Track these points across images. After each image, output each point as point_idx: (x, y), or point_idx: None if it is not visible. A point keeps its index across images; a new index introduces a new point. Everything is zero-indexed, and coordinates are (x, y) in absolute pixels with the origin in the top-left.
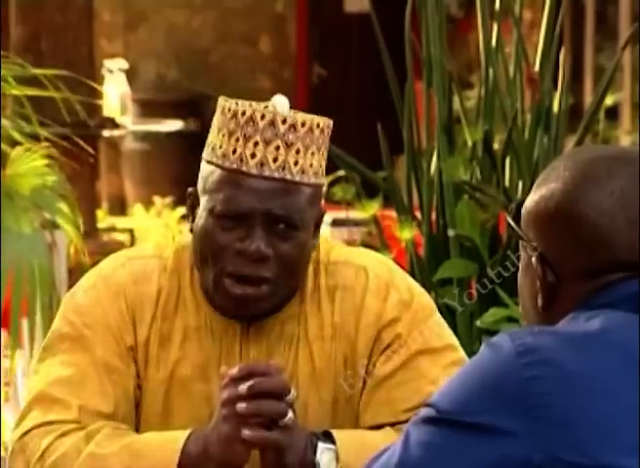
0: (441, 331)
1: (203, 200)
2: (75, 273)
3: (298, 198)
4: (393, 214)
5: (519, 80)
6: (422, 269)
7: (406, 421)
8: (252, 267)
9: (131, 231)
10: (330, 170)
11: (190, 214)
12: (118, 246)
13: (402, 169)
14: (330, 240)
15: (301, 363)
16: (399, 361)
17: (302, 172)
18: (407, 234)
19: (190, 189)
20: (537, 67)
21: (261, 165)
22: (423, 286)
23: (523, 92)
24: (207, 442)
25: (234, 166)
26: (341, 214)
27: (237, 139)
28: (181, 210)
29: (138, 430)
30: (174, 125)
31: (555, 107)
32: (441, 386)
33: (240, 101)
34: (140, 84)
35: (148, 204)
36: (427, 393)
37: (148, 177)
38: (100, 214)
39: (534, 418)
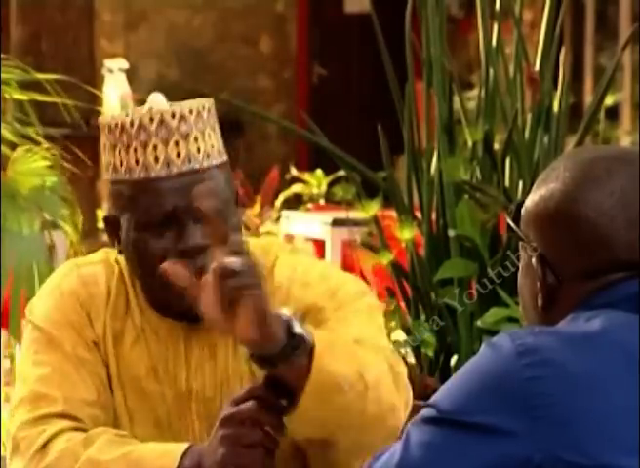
0: (366, 314)
1: (123, 219)
2: None
3: (212, 181)
4: (393, 214)
5: (519, 80)
6: (423, 269)
7: None
8: (195, 263)
9: None
10: (330, 170)
11: (115, 238)
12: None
13: (402, 169)
14: (273, 242)
15: (242, 360)
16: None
17: (208, 156)
18: (407, 234)
19: (105, 215)
20: (537, 67)
21: (167, 165)
22: (424, 286)
23: (523, 92)
24: (202, 459)
25: (142, 175)
26: (341, 214)
27: (135, 150)
28: None
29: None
30: None
31: (555, 107)
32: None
33: (119, 115)
34: (141, 84)
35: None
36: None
37: None
38: (101, 214)
39: (534, 418)
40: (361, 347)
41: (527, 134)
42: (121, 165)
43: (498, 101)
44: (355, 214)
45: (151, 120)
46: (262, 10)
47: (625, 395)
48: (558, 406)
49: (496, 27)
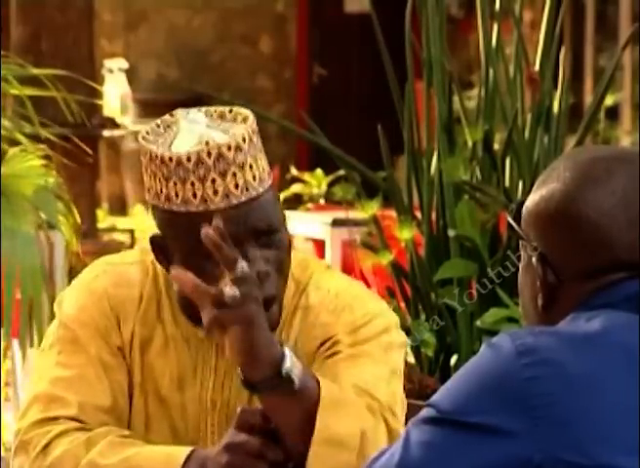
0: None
1: (177, 246)
2: (75, 273)
3: (267, 205)
4: (393, 213)
5: (519, 80)
6: (423, 269)
7: None
8: (262, 291)
9: (131, 231)
10: (330, 170)
11: (164, 259)
12: (118, 246)
13: (402, 169)
14: (309, 259)
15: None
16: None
17: (261, 180)
18: (406, 234)
19: (153, 236)
20: (537, 67)
21: (227, 196)
22: (424, 286)
23: (523, 92)
24: (205, 467)
25: (200, 208)
26: (341, 214)
27: (193, 184)
28: None
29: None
30: None
31: (555, 107)
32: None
33: (171, 148)
34: (141, 84)
35: (148, 204)
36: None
37: None
38: (101, 214)
39: (534, 418)
40: (360, 399)
41: (527, 134)
42: (176, 196)
43: (498, 101)
44: (355, 214)
45: (209, 155)
46: (262, 10)
47: (625, 395)
48: (558, 406)
49: (496, 27)
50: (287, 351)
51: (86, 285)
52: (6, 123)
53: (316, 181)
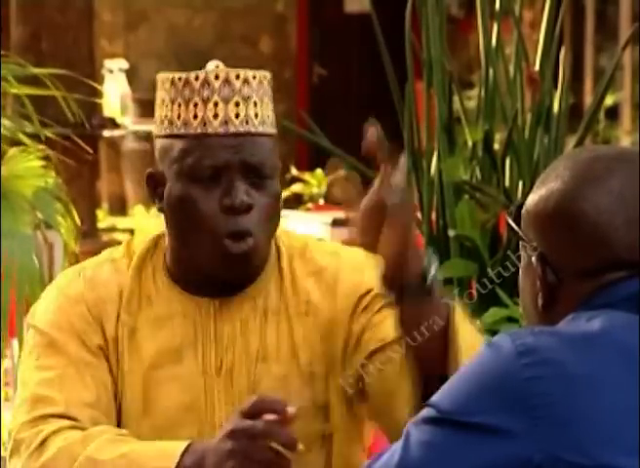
0: None
1: (172, 171)
2: None
3: (264, 148)
4: None
5: (519, 80)
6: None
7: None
8: (239, 222)
9: (131, 231)
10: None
11: (155, 195)
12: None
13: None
14: (311, 235)
15: (282, 336)
16: (373, 312)
17: (263, 123)
18: None
19: (149, 170)
20: (537, 67)
21: (226, 123)
22: None
23: (523, 92)
24: (205, 458)
25: (199, 130)
26: (341, 214)
27: (195, 105)
28: None
29: (119, 424)
30: None
31: (555, 107)
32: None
33: (196, 71)
34: (141, 84)
35: (149, 204)
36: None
37: None
38: (101, 214)
39: (534, 418)
40: None
41: (527, 133)
42: (178, 118)
43: (498, 101)
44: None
45: (216, 78)
46: (263, 10)
47: (625, 395)
48: (558, 406)
49: (496, 27)
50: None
51: (60, 291)
52: (6, 122)
53: (316, 181)
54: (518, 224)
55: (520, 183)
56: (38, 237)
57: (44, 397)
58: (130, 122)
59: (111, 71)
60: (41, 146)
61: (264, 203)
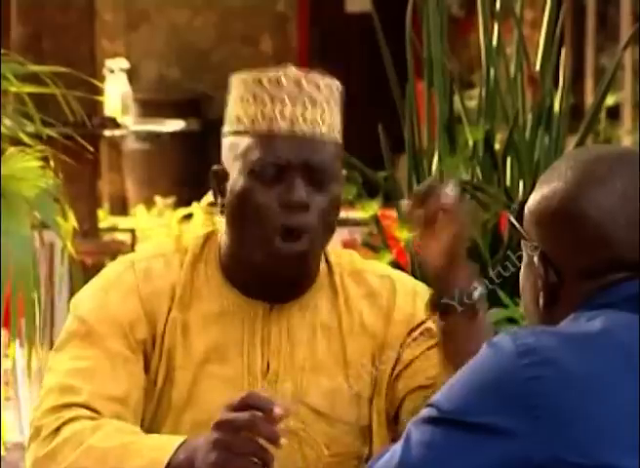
0: None
1: (235, 167)
2: (73, 274)
3: (328, 153)
4: (393, 213)
5: (520, 80)
6: (423, 269)
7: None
8: (295, 218)
9: (132, 231)
10: None
11: (218, 192)
12: (119, 246)
13: (403, 168)
14: (353, 251)
15: (333, 352)
16: (425, 346)
17: (329, 129)
18: (406, 234)
19: (215, 167)
20: (538, 67)
21: (292, 122)
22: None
23: (524, 91)
24: (195, 454)
25: (264, 127)
26: (342, 214)
27: (263, 102)
28: (183, 210)
29: (157, 416)
30: (175, 125)
31: (556, 107)
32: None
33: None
34: (142, 84)
35: (150, 204)
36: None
37: (150, 177)
38: (102, 213)
39: (534, 418)
40: None
41: (528, 133)
42: (245, 115)
43: (498, 101)
44: (356, 214)
45: (287, 77)
46: (263, 10)
47: (626, 395)
48: (558, 405)
49: (496, 27)
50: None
51: (109, 282)
52: (6, 121)
53: None
54: (520, 223)
55: (521, 183)
56: (36, 237)
57: (71, 386)
58: (131, 122)
59: (112, 71)
60: (41, 146)
61: (323, 205)
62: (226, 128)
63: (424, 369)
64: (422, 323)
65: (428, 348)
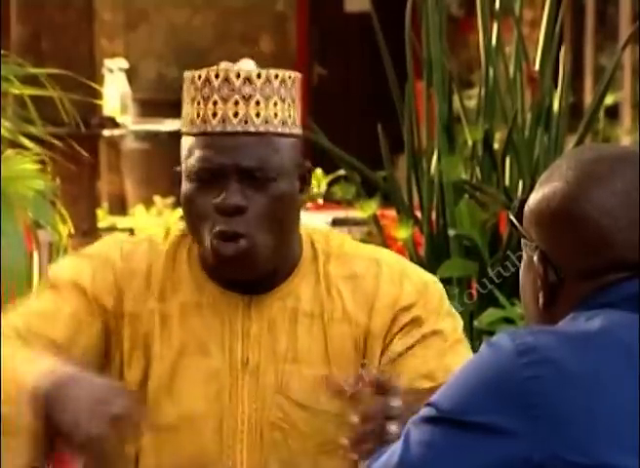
0: (451, 316)
1: (183, 170)
2: None
3: (266, 148)
4: (392, 213)
5: (519, 79)
6: (423, 269)
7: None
8: (230, 223)
9: (131, 231)
10: (330, 169)
11: (178, 192)
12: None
13: (402, 168)
14: (338, 233)
15: (314, 340)
16: (413, 340)
17: (266, 121)
18: (404, 233)
19: (175, 168)
20: (537, 66)
21: (223, 121)
22: None
23: (523, 91)
24: (71, 388)
25: (200, 129)
26: (341, 214)
27: (198, 103)
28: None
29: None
30: (174, 124)
31: (555, 106)
32: (446, 364)
33: (205, 68)
34: (141, 83)
35: (149, 204)
36: (435, 365)
37: (149, 177)
38: (101, 213)
39: (534, 418)
40: None
41: (527, 133)
42: (187, 116)
43: (498, 101)
44: (355, 214)
45: (217, 76)
46: (263, 9)
47: (625, 394)
48: (558, 405)
49: (496, 27)
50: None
51: (92, 254)
52: (6, 123)
53: (316, 181)
54: (520, 222)
55: (520, 183)
56: (31, 238)
57: (13, 321)
58: (130, 121)
59: (111, 71)
60: (40, 148)
61: (263, 204)
62: (181, 128)
63: (420, 363)
64: (409, 306)
65: (415, 342)
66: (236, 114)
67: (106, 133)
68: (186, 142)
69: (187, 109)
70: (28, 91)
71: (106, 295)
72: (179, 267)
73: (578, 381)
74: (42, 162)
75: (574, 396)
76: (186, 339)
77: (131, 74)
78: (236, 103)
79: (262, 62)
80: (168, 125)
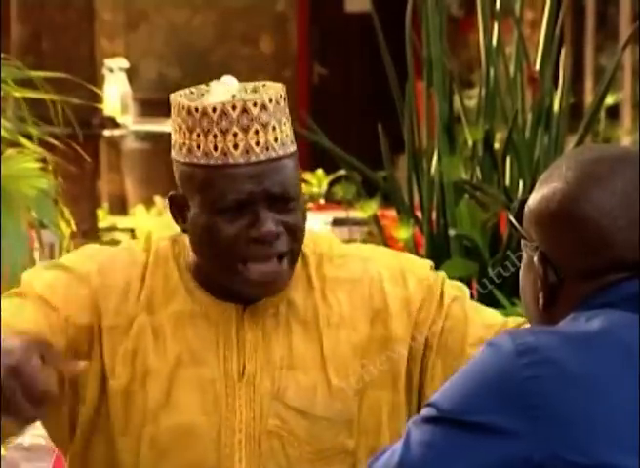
0: (455, 286)
1: (195, 200)
2: None
3: (286, 170)
4: (392, 213)
5: (520, 79)
6: None
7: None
8: (268, 248)
9: (132, 231)
10: (330, 169)
11: (179, 218)
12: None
13: (403, 168)
14: (331, 234)
15: (310, 346)
16: (442, 322)
17: (283, 144)
18: (404, 233)
19: (172, 193)
20: (537, 67)
21: (247, 152)
22: None
23: (524, 91)
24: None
25: (219, 162)
26: (342, 214)
27: (215, 136)
28: None
29: (140, 425)
30: None
31: (556, 107)
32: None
33: (196, 96)
34: (141, 83)
35: (149, 203)
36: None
37: (149, 177)
38: (101, 213)
39: (534, 418)
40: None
41: (527, 133)
42: (198, 148)
43: (498, 101)
44: (355, 214)
45: (234, 108)
46: (263, 9)
47: (625, 394)
48: (558, 405)
49: (496, 27)
50: None
51: (65, 266)
52: (6, 124)
53: (317, 181)
54: (520, 222)
55: (520, 183)
56: (34, 237)
57: None
58: (130, 121)
59: (112, 70)
60: (40, 149)
61: (293, 224)
62: (177, 155)
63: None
64: (424, 302)
65: (445, 320)
66: (258, 143)
67: (107, 133)
68: (200, 173)
69: (197, 141)
70: (29, 94)
71: (80, 312)
72: (168, 276)
73: (578, 381)
74: (43, 161)
75: (574, 396)
76: (181, 350)
77: (131, 74)
78: (256, 132)
79: (263, 62)
80: (168, 125)
